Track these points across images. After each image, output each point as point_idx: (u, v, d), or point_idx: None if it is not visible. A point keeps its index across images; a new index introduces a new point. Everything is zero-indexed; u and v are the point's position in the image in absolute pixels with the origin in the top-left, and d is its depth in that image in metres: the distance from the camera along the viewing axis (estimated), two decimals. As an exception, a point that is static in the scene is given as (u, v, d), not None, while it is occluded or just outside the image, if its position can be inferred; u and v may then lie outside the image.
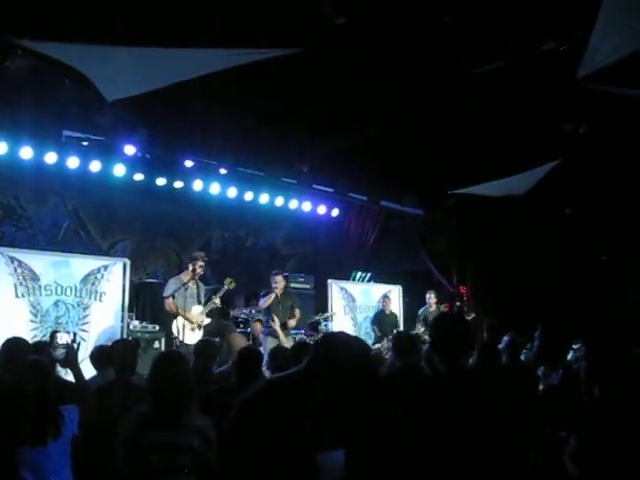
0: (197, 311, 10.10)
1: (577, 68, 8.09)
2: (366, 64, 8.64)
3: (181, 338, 9.75)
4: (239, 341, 9.40)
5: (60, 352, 5.02)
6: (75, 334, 5.29)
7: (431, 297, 13.18)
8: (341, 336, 3.42)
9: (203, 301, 10.36)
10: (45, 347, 5.49)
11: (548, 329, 5.11)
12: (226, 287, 10.58)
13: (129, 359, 5.93)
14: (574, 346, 7.54)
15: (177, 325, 9.86)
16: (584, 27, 7.48)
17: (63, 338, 5.09)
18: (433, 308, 12.99)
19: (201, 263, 10.30)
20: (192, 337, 9.75)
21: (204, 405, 4.60)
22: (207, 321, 10.14)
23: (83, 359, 9.07)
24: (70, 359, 5.03)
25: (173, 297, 9.97)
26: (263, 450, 2.98)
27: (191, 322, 9.93)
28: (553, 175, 11.56)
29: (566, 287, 13.60)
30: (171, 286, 10.18)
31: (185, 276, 10.25)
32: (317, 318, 12.61)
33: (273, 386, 3.27)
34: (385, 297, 13.17)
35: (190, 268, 10.27)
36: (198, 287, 10.39)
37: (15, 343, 5.52)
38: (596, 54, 7.74)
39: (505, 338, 6.82)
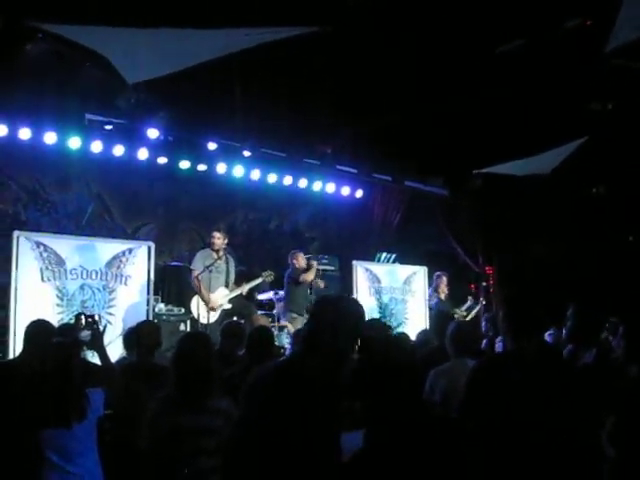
0: (221, 294, 9.99)
1: (604, 43, 7.94)
2: (389, 43, 8.55)
3: (198, 317, 9.69)
4: (262, 322, 9.37)
5: (85, 334, 5.02)
6: (100, 315, 5.28)
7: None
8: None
9: (232, 278, 10.25)
10: (70, 329, 5.48)
11: (581, 309, 5.03)
12: (262, 279, 10.52)
13: (153, 340, 5.93)
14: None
15: (197, 303, 9.81)
16: (611, 1, 7.34)
17: (87, 320, 5.07)
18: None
19: (217, 234, 10.09)
20: (210, 316, 9.69)
21: (227, 386, 4.58)
22: (228, 306, 10.02)
23: (110, 342, 9.17)
24: (96, 341, 5.03)
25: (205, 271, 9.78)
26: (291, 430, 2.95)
27: (211, 303, 9.79)
28: (580, 153, 11.41)
29: (593, 267, 13.45)
30: (199, 260, 10.07)
31: (212, 252, 10.12)
32: None
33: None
34: None
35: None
36: (227, 262, 10.21)
37: (39, 325, 5.53)
38: (624, 28, 7.58)
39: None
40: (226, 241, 10.21)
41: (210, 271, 9.79)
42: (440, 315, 7.21)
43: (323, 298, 3.46)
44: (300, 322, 10.47)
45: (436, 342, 6.64)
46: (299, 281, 11.01)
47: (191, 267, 10.19)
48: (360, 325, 3.18)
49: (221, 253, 10.05)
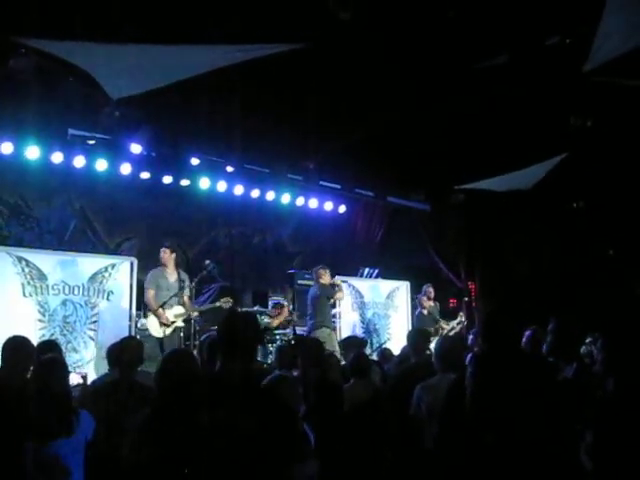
0: (176, 311, 9.78)
1: (583, 62, 8.05)
2: (371, 60, 8.62)
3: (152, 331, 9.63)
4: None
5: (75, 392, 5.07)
6: (86, 376, 5.31)
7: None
8: None
9: (187, 294, 10.01)
10: (56, 346, 5.49)
11: (562, 323, 5.08)
12: (219, 304, 10.26)
13: (135, 357, 5.90)
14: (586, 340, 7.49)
15: (153, 318, 9.71)
16: (590, 20, 7.44)
17: (75, 379, 5.10)
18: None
19: (164, 249, 10.00)
20: (165, 331, 9.64)
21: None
22: (181, 324, 9.80)
23: (91, 359, 9.16)
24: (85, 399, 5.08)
25: (155, 290, 9.73)
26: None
27: (163, 320, 9.66)
28: (560, 169, 11.52)
29: (574, 281, 13.55)
30: (150, 277, 9.92)
31: (164, 269, 9.99)
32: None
33: None
34: None
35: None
36: (179, 278, 9.98)
37: (17, 342, 5.48)
38: (603, 47, 7.68)
39: (527, 332, 6.63)
40: (174, 255, 10.14)
41: (168, 289, 9.78)
42: (416, 332, 7.18)
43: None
44: (333, 337, 10.60)
45: (413, 359, 6.63)
46: (333, 297, 11.17)
47: (145, 285, 9.97)
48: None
49: (171, 270, 9.99)
